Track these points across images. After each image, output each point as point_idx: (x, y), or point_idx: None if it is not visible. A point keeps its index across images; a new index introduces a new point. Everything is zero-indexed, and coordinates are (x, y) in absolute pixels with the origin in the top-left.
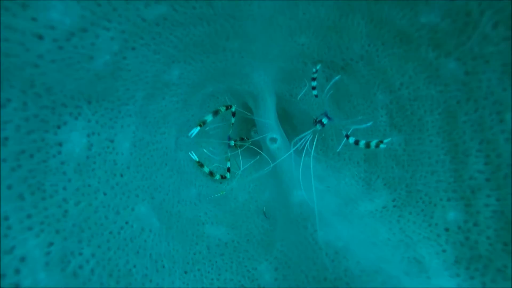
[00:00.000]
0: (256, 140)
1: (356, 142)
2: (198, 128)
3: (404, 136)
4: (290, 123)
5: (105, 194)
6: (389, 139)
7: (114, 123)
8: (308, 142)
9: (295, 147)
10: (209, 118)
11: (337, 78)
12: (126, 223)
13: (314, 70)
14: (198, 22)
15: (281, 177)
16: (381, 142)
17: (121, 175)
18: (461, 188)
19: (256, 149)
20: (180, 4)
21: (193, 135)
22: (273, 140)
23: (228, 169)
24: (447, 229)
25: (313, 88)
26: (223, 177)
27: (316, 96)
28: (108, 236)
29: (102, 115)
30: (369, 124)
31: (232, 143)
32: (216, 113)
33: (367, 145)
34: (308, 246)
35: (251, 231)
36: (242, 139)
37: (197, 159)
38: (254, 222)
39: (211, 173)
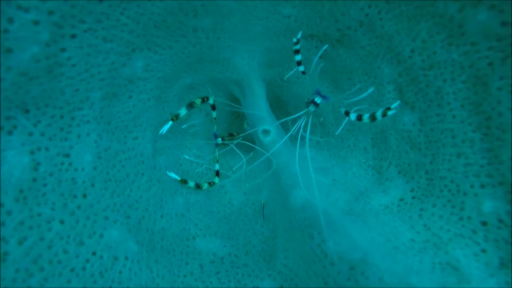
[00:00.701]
0: (249, 134)
1: (359, 118)
2: (171, 122)
3: (418, 114)
4: (285, 112)
5: (62, 222)
6: (398, 102)
7: (67, 133)
8: (302, 127)
9: (288, 134)
10: (182, 111)
11: (325, 47)
12: (93, 254)
13: (294, 40)
14: None
15: (278, 175)
16: (388, 109)
17: (84, 196)
18: (499, 172)
19: (250, 144)
20: None
21: (164, 131)
22: (266, 132)
23: (217, 173)
24: (484, 223)
25: (298, 63)
26: (211, 184)
27: (303, 72)
28: (69, 276)
29: (48, 125)
30: (371, 90)
31: (220, 140)
32: (190, 106)
33: (373, 117)
34: (316, 260)
35: (250, 240)
36: (231, 135)
37: (179, 178)
38: (253, 229)
39: (197, 186)
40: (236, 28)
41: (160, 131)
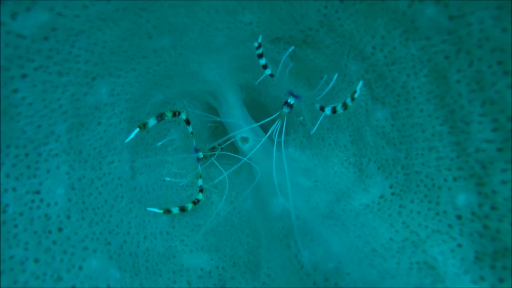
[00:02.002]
0: (232, 145)
1: (334, 110)
2: (137, 130)
3: (389, 109)
4: (266, 113)
5: (37, 261)
6: (360, 82)
7: (35, 169)
8: (278, 130)
9: (263, 140)
10: (151, 121)
11: (291, 49)
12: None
13: (256, 44)
14: (103, 25)
15: (258, 183)
16: (354, 92)
17: (59, 230)
18: (468, 164)
19: (231, 154)
20: (62, 5)
21: (129, 139)
22: (244, 140)
23: (200, 189)
24: (459, 217)
25: (264, 67)
26: (195, 203)
27: (271, 75)
28: None
29: (13, 166)
30: (335, 77)
31: (201, 155)
32: (160, 117)
33: (344, 105)
34: (293, 271)
35: (236, 251)
36: (213, 149)
37: (161, 211)
38: (239, 239)
39: (182, 209)
40: (198, 42)
41: (126, 140)
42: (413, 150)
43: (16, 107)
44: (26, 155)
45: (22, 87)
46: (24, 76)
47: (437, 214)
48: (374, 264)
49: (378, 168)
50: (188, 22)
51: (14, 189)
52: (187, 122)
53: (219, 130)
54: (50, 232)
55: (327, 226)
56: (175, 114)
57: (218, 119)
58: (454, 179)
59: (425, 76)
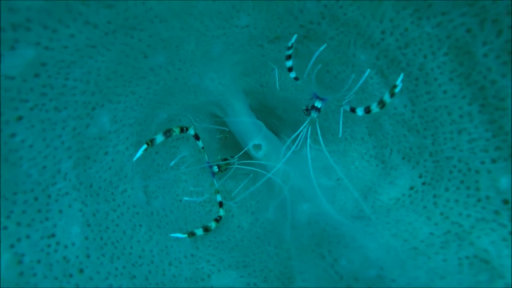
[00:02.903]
0: (246, 154)
1: (367, 110)
2: (145, 146)
3: (407, 95)
4: (275, 115)
5: None
6: (401, 74)
7: (46, 212)
8: (308, 136)
9: (291, 150)
10: (159, 138)
11: (323, 47)
12: None
13: (289, 44)
14: (93, 52)
15: (280, 190)
16: (394, 86)
17: (81, 271)
18: (507, 143)
19: (247, 168)
20: (48, 37)
21: (137, 156)
22: (257, 147)
23: (220, 204)
24: (505, 201)
25: (290, 69)
26: (218, 220)
27: (296, 79)
28: None
29: (23, 212)
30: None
31: (216, 169)
32: (168, 133)
33: (381, 103)
34: (332, 282)
35: (266, 264)
36: (225, 160)
37: (185, 235)
38: (267, 251)
39: (206, 229)
40: (195, 54)
41: (134, 158)
42: (440, 135)
43: (16, 151)
44: (35, 199)
45: (20, 130)
46: (20, 118)
47: (479, 200)
48: (419, 265)
49: (403, 158)
50: (183, 34)
51: (28, 237)
52: (196, 137)
53: (229, 140)
54: (71, 275)
55: (359, 228)
56: (183, 130)
57: (227, 129)
58: (493, 161)
59: (445, 55)
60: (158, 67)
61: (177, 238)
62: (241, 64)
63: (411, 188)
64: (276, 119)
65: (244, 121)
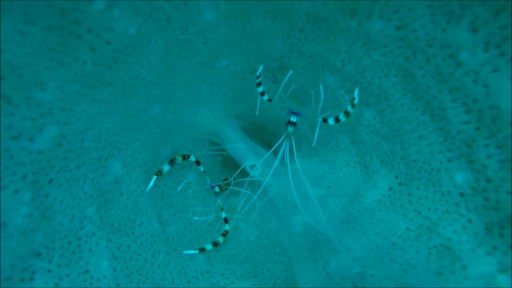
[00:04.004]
0: (242, 170)
1: (337, 120)
2: (155, 177)
3: (374, 109)
4: (268, 132)
5: None
6: (357, 89)
7: (79, 252)
8: (287, 149)
9: (274, 165)
10: (165, 168)
11: (290, 73)
12: None
13: (257, 74)
14: (102, 118)
15: (276, 204)
16: (353, 99)
17: None
18: (455, 145)
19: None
20: (66, 115)
21: (149, 187)
22: (253, 167)
23: (225, 220)
24: (462, 194)
25: (262, 94)
26: (225, 234)
27: (269, 100)
28: None
29: (61, 256)
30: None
31: (217, 189)
32: (172, 162)
33: (346, 113)
34: (325, 282)
35: (274, 271)
36: (226, 180)
37: (197, 251)
38: (273, 260)
39: (215, 244)
40: (186, 98)
41: (147, 189)
42: (406, 141)
43: (51, 207)
44: (69, 243)
45: (51, 190)
46: (50, 181)
47: (443, 195)
48: (395, 258)
49: (381, 162)
50: (172, 88)
51: (67, 275)
52: (197, 162)
53: (228, 160)
54: None
55: (347, 231)
56: (185, 157)
57: (225, 153)
58: (448, 160)
59: (394, 76)
60: (156, 115)
61: (192, 258)
62: (228, 95)
63: (390, 189)
64: (270, 134)
65: (238, 147)
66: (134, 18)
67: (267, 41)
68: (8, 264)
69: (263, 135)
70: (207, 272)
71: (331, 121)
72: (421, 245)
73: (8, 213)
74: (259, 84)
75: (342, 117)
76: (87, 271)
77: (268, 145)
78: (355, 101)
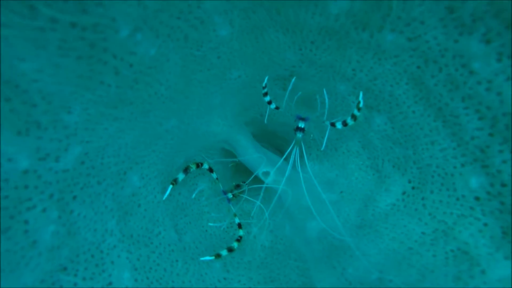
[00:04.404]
0: (256, 177)
1: (344, 124)
2: (171, 186)
3: (385, 115)
4: (278, 138)
5: None
6: (361, 93)
7: (102, 265)
8: (297, 155)
9: (287, 174)
10: (180, 176)
11: (293, 80)
12: None
13: (263, 85)
14: (122, 134)
15: (290, 210)
16: (359, 103)
17: None
18: (469, 150)
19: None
20: (88, 134)
21: (165, 196)
22: (266, 174)
23: (239, 225)
24: (477, 198)
25: (269, 103)
26: (239, 240)
27: (277, 108)
28: None
29: (85, 269)
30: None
31: (230, 195)
32: (186, 170)
33: (353, 117)
34: None
35: (290, 277)
36: (238, 186)
37: (212, 257)
38: (289, 265)
39: (230, 250)
40: (200, 110)
41: (163, 198)
42: (419, 146)
43: (75, 223)
44: (92, 256)
45: (75, 207)
46: (74, 197)
47: (458, 199)
48: (412, 263)
49: (393, 167)
50: (188, 101)
51: None
52: (210, 170)
53: (239, 166)
54: None
55: (362, 237)
56: (198, 165)
57: (237, 159)
58: (462, 165)
59: (406, 84)
60: (171, 128)
61: (209, 266)
62: (240, 103)
63: (403, 193)
64: (280, 139)
65: (250, 153)
66: (154, 40)
67: (278, 52)
68: (38, 280)
69: (273, 140)
70: (224, 279)
71: (339, 125)
72: (438, 249)
73: (38, 231)
74: (265, 94)
75: (349, 121)
76: (110, 283)
77: (278, 150)
78: (360, 105)
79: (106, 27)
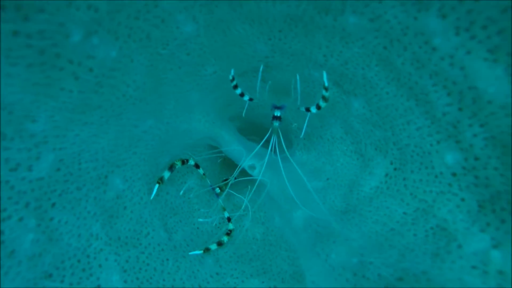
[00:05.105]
0: (242, 170)
1: (318, 107)
2: (157, 185)
3: (362, 98)
4: (265, 129)
5: None
6: (324, 73)
7: (89, 269)
8: (276, 144)
9: (265, 162)
10: (166, 174)
11: (261, 68)
12: None
13: (230, 78)
14: (95, 139)
15: (276, 201)
16: (324, 85)
17: None
18: (442, 127)
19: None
20: (60, 141)
21: (152, 196)
22: (252, 167)
23: (228, 219)
24: (454, 174)
25: (241, 95)
26: (229, 234)
27: (251, 99)
28: None
29: (72, 274)
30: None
31: (218, 190)
32: (172, 167)
33: (324, 98)
34: (328, 274)
35: (282, 267)
36: (225, 180)
37: (201, 251)
38: (280, 255)
39: (219, 244)
40: (177, 108)
41: (151, 198)
42: (396, 127)
43: (57, 230)
44: (78, 261)
45: (55, 214)
46: (53, 204)
47: (436, 176)
48: (394, 244)
49: (375, 149)
50: (162, 100)
51: None
52: (197, 166)
53: (228, 161)
54: None
55: (346, 221)
56: (184, 162)
57: (223, 155)
58: (438, 142)
59: (376, 66)
60: (149, 128)
61: (201, 262)
62: (220, 98)
63: (386, 175)
64: (266, 131)
65: (235, 148)
66: (113, 42)
67: (249, 44)
68: None
69: (260, 132)
70: (217, 274)
71: (313, 109)
72: (419, 228)
73: (15, 241)
74: (236, 87)
75: (321, 103)
76: (98, 286)
77: (267, 141)
78: (326, 85)
79: (54, 32)
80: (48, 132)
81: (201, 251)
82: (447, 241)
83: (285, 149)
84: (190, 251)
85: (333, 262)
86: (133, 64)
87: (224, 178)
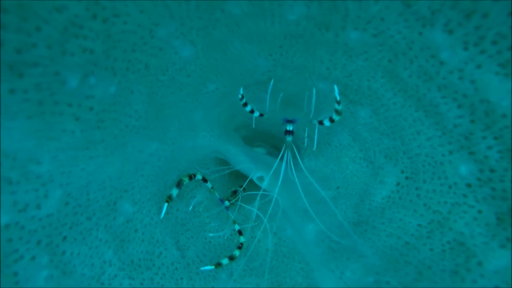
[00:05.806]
0: (251, 182)
1: (331, 120)
2: (166, 204)
3: (369, 108)
4: (271, 136)
5: None
6: (335, 86)
7: None
8: (290, 158)
9: (279, 181)
10: (174, 192)
11: (272, 82)
12: None
13: (239, 96)
14: (102, 169)
15: (288, 214)
16: (335, 98)
17: None
18: (454, 138)
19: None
20: (67, 176)
21: (162, 215)
22: (261, 178)
23: (239, 232)
24: (469, 185)
25: (251, 112)
26: (240, 247)
27: (261, 115)
28: None
29: None
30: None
31: (227, 203)
32: (179, 184)
33: (337, 112)
34: None
35: (296, 279)
36: (235, 192)
37: (212, 267)
38: (294, 267)
39: (231, 258)
40: (181, 128)
41: (161, 217)
42: (405, 136)
43: (69, 262)
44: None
45: (67, 247)
46: (64, 238)
47: (450, 187)
48: (409, 260)
49: (385, 157)
50: (165, 124)
51: None
52: (204, 180)
53: (236, 172)
54: None
55: (359, 235)
56: (191, 177)
57: (231, 167)
58: (450, 153)
59: (382, 77)
60: (155, 151)
61: (215, 278)
62: (224, 112)
63: (398, 184)
64: (273, 138)
65: (241, 160)
66: (111, 78)
67: (249, 60)
68: None
69: (267, 139)
70: None
71: (326, 122)
72: (435, 242)
73: (29, 280)
74: (245, 105)
75: (335, 117)
76: None
77: (274, 147)
78: (338, 98)
79: (50, 83)
80: (53, 171)
81: (213, 266)
82: (466, 257)
83: (301, 163)
84: (205, 263)
85: (348, 280)
86: (134, 95)
87: (234, 190)
